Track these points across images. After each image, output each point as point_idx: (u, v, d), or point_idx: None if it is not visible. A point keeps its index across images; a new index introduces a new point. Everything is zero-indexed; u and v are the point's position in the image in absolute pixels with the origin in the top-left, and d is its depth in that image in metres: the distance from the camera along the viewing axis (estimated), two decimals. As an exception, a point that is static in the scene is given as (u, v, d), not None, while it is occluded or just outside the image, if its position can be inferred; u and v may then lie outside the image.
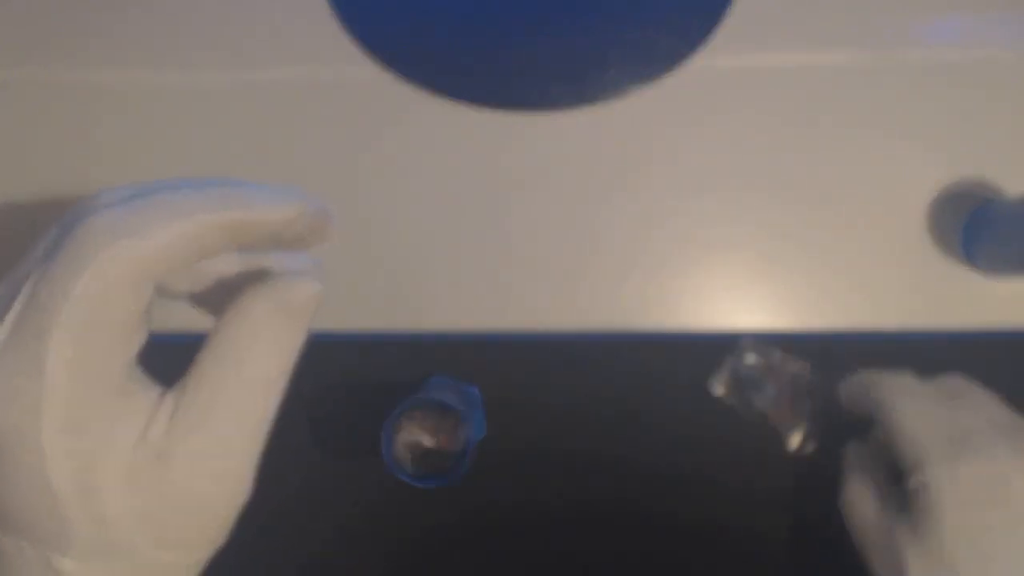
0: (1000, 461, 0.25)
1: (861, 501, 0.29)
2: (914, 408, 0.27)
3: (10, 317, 0.16)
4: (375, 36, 0.46)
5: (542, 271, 0.43)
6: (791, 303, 0.43)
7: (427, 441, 0.29)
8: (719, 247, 0.44)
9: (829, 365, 0.40)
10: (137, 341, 0.18)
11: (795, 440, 0.40)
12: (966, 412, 0.28)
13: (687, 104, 0.46)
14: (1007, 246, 0.41)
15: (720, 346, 0.41)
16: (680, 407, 0.40)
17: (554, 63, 0.46)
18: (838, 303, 0.43)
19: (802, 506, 0.40)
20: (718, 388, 0.40)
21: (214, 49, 0.47)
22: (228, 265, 0.21)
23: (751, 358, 0.41)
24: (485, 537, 0.38)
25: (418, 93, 0.46)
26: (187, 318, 0.43)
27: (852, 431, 0.40)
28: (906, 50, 0.47)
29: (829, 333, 0.42)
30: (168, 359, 0.42)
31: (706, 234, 0.44)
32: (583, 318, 0.42)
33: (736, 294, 0.43)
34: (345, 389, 0.41)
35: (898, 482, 0.29)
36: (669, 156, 0.45)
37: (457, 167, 0.45)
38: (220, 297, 0.21)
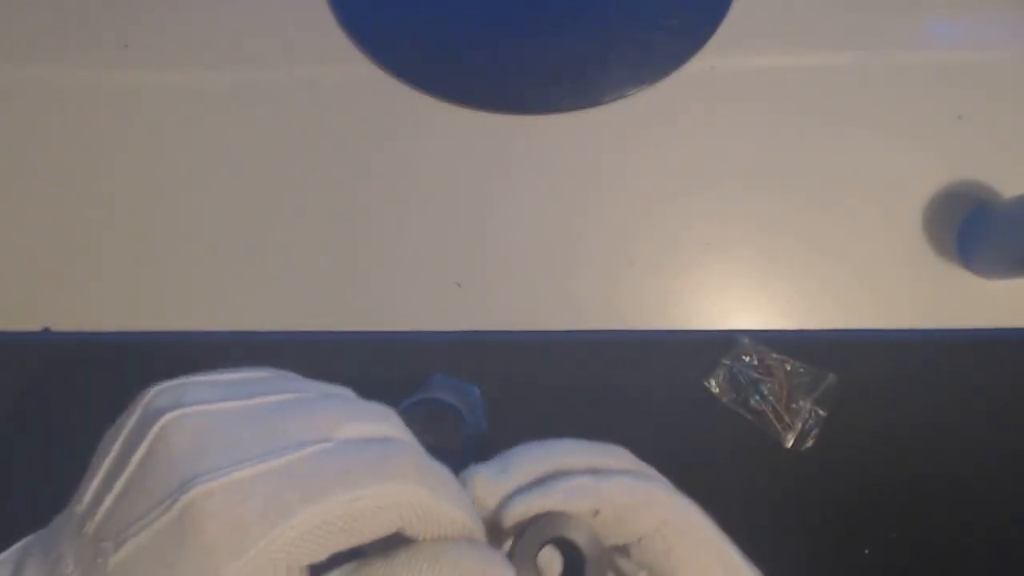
0: None
1: None
2: (707, 538, 0.22)
3: None
4: (375, 39, 0.47)
5: (542, 271, 0.43)
6: (787, 304, 0.43)
7: (427, 440, 0.29)
8: (717, 248, 0.44)
9: (824, 365, 0.41)
10: None
11: (790, 438, 0.40)
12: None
13: (687, 104, 0.46)
14: (1002, 248, 0.41)
15: (717, 346, 0.41)
16: (678, 406, 0.41)
17: (554, 65, 0.46)
18: (834, 304, 0.43)
19: (797, 503, 0.40)
20: (715, 387, 0.41)
21: (214, 49, 0.47)
22: None
23: (748, 357, 0.41)
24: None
25: (418, 94, 0.46)
26: (183, 318, 0.43)
27: (848, 431, 0.40)
28: (904, 51, 0.47)
29: (825, 333, 0.43)
30: (165, 357, 0.42)
31: (704, 235, 0.44)
32: (582, 318, 0.43)
33: (733, 294, 0.43)
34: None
35: None
36: (668, 157, 0.45)
37: (457, 167, 0.45)
38: None
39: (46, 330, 0.42)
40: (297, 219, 0.44)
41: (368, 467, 0.17)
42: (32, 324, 0.42)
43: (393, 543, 0.19)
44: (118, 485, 0.17)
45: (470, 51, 0.46)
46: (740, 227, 0.44)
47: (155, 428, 0.17)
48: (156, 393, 0.18)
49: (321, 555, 0.17)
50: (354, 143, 0.45)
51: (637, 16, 0.47)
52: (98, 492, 0.17)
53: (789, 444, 0.40)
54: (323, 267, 0.43)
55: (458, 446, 0.33)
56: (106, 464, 0.18)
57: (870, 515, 0.40)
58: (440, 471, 0.19)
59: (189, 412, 0.17)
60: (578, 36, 0.46)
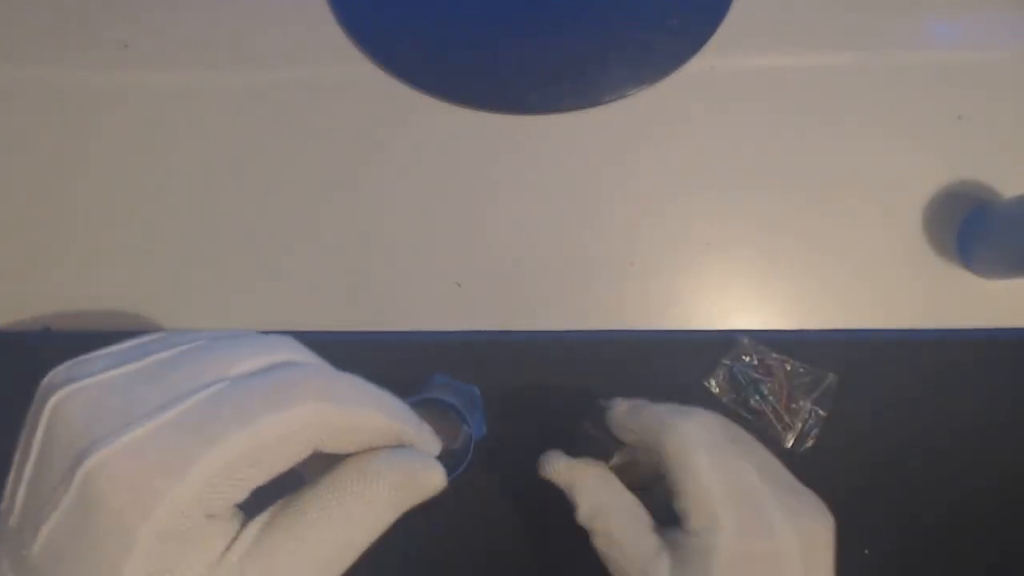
0: (782, 539, 0.24)
1: (619, 516, 0.27)
2: (709, 463, 0.25)
3: None
4: (375, 39, 0.47)
5: (541, 271, 0.43)
6: (787, 304, 0.43)
7: None
8: (717, 248, 0.44)
9: (824, 365, 0.41)
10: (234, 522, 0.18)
11: (790, 438, 0.40)
12: (749, 468, 0.26)
13: (687, 104, 0.46)
14: (1002, 248, 0.41)
15: (717, 346, 0.41)
16: (678, 406, 0.41)
17: (554, 65, 0.46)
18: (834, 304, 0.43)
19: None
20: (715, 387, 0.41)
21: (214, 49, 0.47)
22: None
23: (748, 357, 0.41)
24: (484, 536, 0.39)
25: (418, 94, 0.46)
26: (183, 318, 0.43)
27: (848, 431, 0.40)
28: (904, 51, 0.47)
29: (825, 333, 0.43)
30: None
31: (704, 235, 0.44)
32: (582, 318, 0.43)
33: (733, 294, 0.43)
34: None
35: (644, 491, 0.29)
36: (668, 157, 0.45)
37: (457, 167, 0.45)
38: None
39: (46, 330, 0.42)
40: (297, 219, 0.44)
41: (261, 398, 0.17)
42: (32, 324, 0.42)
43: (332, 460, 0.18)
44: (26, 473, 0.17)
45: (470, 51, 0.46)
46: (740, 227, 0.44)
47: (48, 409, 0.17)
48: (51, 376, 0.18)
49: (239, 495, 0.16)
50: (354, 143, 0.45)
51: (637, 16, 0.47)
52: (13, 485, 0.17)
53: (789, 444, 0.40)
54: (323, 267, 0.43)
55: (459, 446, 0.33)
56: (16, 456, 0.17)
57: (870, 515, 0.40)
58: (349, 380, 0.18)
59: (80, 386, 0.17)
60: (578, 36, 0.47)
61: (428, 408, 0.34)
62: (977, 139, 0.45)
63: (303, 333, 0.42)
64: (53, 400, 0.17)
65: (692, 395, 0.41)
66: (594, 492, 0.28)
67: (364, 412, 0.18)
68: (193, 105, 0.46)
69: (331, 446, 0.18)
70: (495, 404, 0.38)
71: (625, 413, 0.28)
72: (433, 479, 0.19)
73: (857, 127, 0.46)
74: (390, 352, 0.41)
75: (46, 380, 0.18)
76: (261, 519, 0.17)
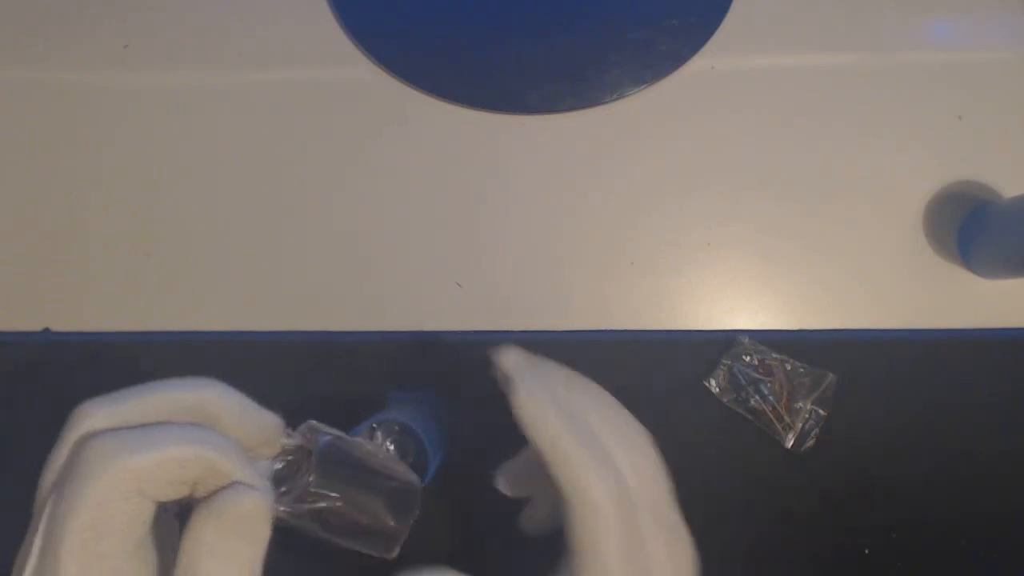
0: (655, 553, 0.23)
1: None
2: (620, 555, 0.22)
3: (37, 540, 0.18)
4: (375, 39, 0.47)
5: (541, 271, 0.43)
6: (788, 303, 0.43)
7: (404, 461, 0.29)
8: (717, 248, 0.44)
9: (824, 365, 0.41)
10: (143, 557, 0.19)
11: (791, 438, 0.40)
12: (658, 549, 0.23)
13: (687, 104, 0.46)
14: (1002, 248, 0.41)
15: (717, 346, 0.41)
16: (678, 406, 0.41)
17: (554, 65, 0.46)
18: (834, 304, 0.43)
19: (797, 503, 0.40)
20: (715, 387, 0.41)
21: (214, 49, 0.47)
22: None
23: (748, 357, 0.41)
24: (485, 536, 0.39)
25: (418, 94, 0.46)
26: (183, 318, 0.43)
27: (848, 431, 0.40)
28: (904, 51, 0.47)
29: (825, 333, 0.43)
30: (165, 357, 0.42)
31: (704, 235, 0.44)
32: (582, 318, 0.43)
33: (733, 294, 0.43)
34: (345, 389, 0.41)
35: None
36: (668, 157, 0.45)
37: (457, 167, 0.45)
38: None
39: (46, 330, 0.42)
40: (297, 219, 0.44)
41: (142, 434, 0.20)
42: (32, 324, 0.42)
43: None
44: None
45: (470, 51, 0.46)
46: (740, 227, 0.44)
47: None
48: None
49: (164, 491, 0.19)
50: (354, 143, 0.45)
51: (637, 16, 0.47)
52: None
53: (789, 444, 0.40)
54: (323, 267, 0.43)
55: (419, 460, 0.33)
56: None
57: (870, 515, 0.40)
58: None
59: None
60: (578, 36, 0.47)
61: (387, 428, 0.33)
62: (977, 139, 0.45)
63: (304, 333, 0.42)
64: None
65: (692, 395, 0.41)
66: None
67: (158, 455, 0.19)
68: (193, 105, 0.46)
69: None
70: (495, 405, 0.38)
71: (540, 451, 0.23)
72: (244, 505, 0.19)
73: (857, 127, 0.46)
74: (390, 352, 0.41)
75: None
76: None
